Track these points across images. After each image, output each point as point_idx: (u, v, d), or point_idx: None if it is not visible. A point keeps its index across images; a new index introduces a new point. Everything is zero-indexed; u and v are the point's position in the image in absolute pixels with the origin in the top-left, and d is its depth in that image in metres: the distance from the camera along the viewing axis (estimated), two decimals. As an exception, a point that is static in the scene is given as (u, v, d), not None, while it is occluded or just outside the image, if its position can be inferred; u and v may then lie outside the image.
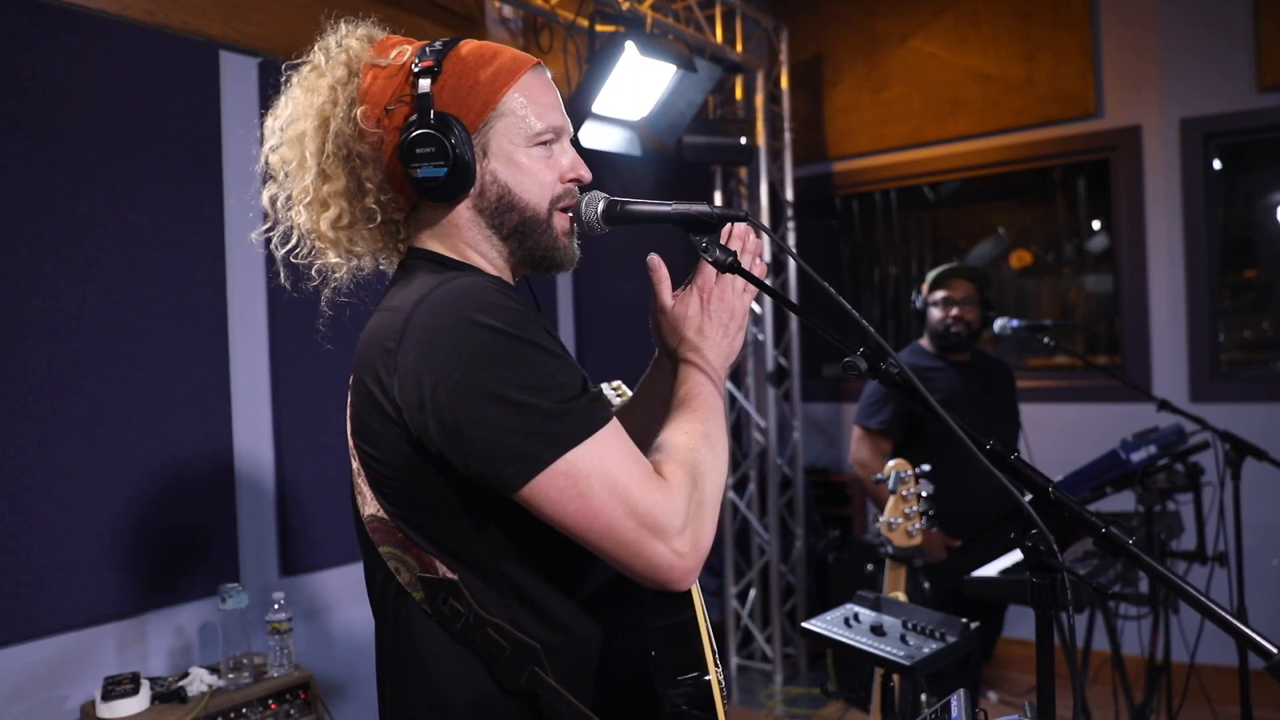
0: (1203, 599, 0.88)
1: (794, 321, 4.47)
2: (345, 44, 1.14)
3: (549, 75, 1.16)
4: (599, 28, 3.36)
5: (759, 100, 4.35)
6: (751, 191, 4.45)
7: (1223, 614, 0.87)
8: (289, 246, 1.17)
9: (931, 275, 3.18)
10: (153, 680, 2.19)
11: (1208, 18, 3.79)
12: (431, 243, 1.13)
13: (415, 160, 1.05)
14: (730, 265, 1.14)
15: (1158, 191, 3.94)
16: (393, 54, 1.11)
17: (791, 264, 4.44)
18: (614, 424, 0.98)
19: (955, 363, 3.14)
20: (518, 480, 0.93)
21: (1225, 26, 3.75)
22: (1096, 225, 4.38)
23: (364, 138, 1.08)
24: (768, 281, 1.21)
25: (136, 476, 2.29)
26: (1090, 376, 4.12)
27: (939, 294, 3.12)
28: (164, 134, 2.37)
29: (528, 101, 1.10)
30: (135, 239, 2.31)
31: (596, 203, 1.19)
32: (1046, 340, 3.09)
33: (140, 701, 2.10)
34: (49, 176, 2.16)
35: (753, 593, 4.40)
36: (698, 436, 1.05)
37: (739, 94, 4.39)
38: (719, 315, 1.19)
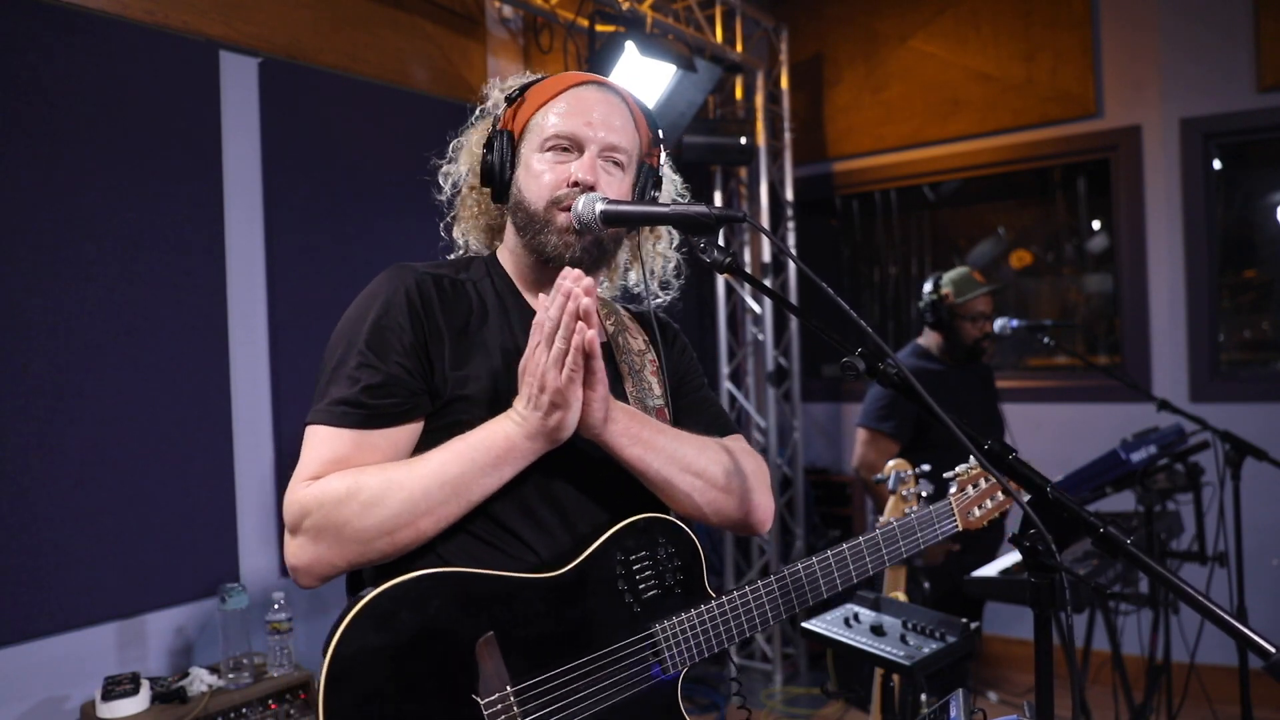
0: (1203, 599, 0.88)
1: (794, 322, 4.47)
2: (495, 92, 1.36)
3: (598, 91, 1.27)
4: (599, 28, 3.36)
5: (759, 100, 4.35)
6: (751, 191, 4.45)
7: (1223, 614, 0.87)
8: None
9: (966, 292, 3.06)
10: (153, 680, 2.19)
11: (1208, 18, 3.79)
12: (500, 245, 1.35)
13: (484, 168, 1.29)
14: (728, 266, 1.14)
15: (1158, 191, 3.94)
16: (514, 89, 1.31)
17: (791, 264, 4.44)
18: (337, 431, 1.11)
19: (956, 367, 3.13)
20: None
21: (1225, 26, 3.75)
22: (1096, 225, 4.38)
23: (474, 159, 1.34)
24: (766, 282, 1.21)
25: (136, 476, 2.29)
26: (1090, 376, 4.12)
27: (974, 309, 3.08)
28: (164, 134, 2.38)
29: (548, 115, 1.24)
30: (135, 239, 2.32)
31: (595, 203, 1.19)
32: (1046, 340, 3.08)
33: (140, 701, 2.10)
34: (49, 176, 2.16)
35: (753, 593, 4.40)
36: (374, 472, 1.09)
37: (739, 94, 4.39)
38: (525, 378, 1.10)
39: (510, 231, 1.30)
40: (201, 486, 2.43)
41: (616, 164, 1.25)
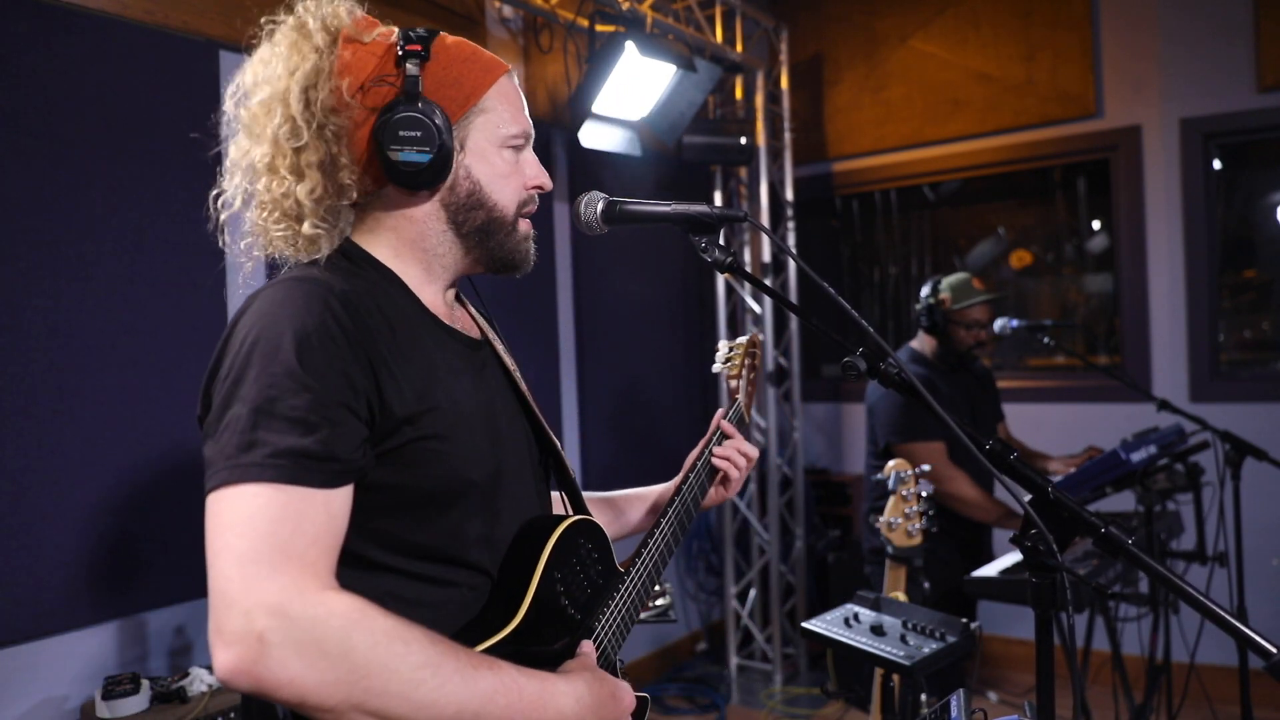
0: (1203, 599, 0.88)
1: (794, 321, 4.47)
2: (332, 9, 1.04)
3: (518, 82, 1.15)
4: (599, 28, 3.36)
5: (759, 100, 4.35)
6: (751, 191, 4.45)
7: (1223, 614, 0.87)
8: (234, 211, 1.09)
9: (964, 299, 3.01)
10: (153, 680, 2.19)
11: (1208, 18, 3.79)
12: (367, 238, 1.08)
13: (397, 142, 0.99)
14: (729, 265, 1.14)
15: (1158, 191, 3.94)
16: (376, 32, 1.05)
17: (791, 264, 4.44)
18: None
19: (949, 370, 3.12)
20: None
21: (1225, 26, 3.75)
22: (1096, 225, 4.38)
23: (340, 112, 1.01)
24: (766, 281, 1.21)
25: (137, 476, 2.29)
26: (1090, 376, 4.12)
27: (970, 315, 3.05)
28: (164, 134, 2.38)
29: (503, 103, 1.09)
30: (135, 239, 2.31)
31: (596, 203, 1.19)
32: (1046, 340, 3.08)
33: (140, 701, 2.10)
34: (49, 176, 2.16)
35: (753, 593, 4.40)
36: (419, 651, 0.84)
37: (739, 94, 4.39)
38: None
39: (420, 223, 1.07)
40: (201, 486, 2.42)
41: None
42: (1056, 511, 0.99)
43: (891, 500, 2.07)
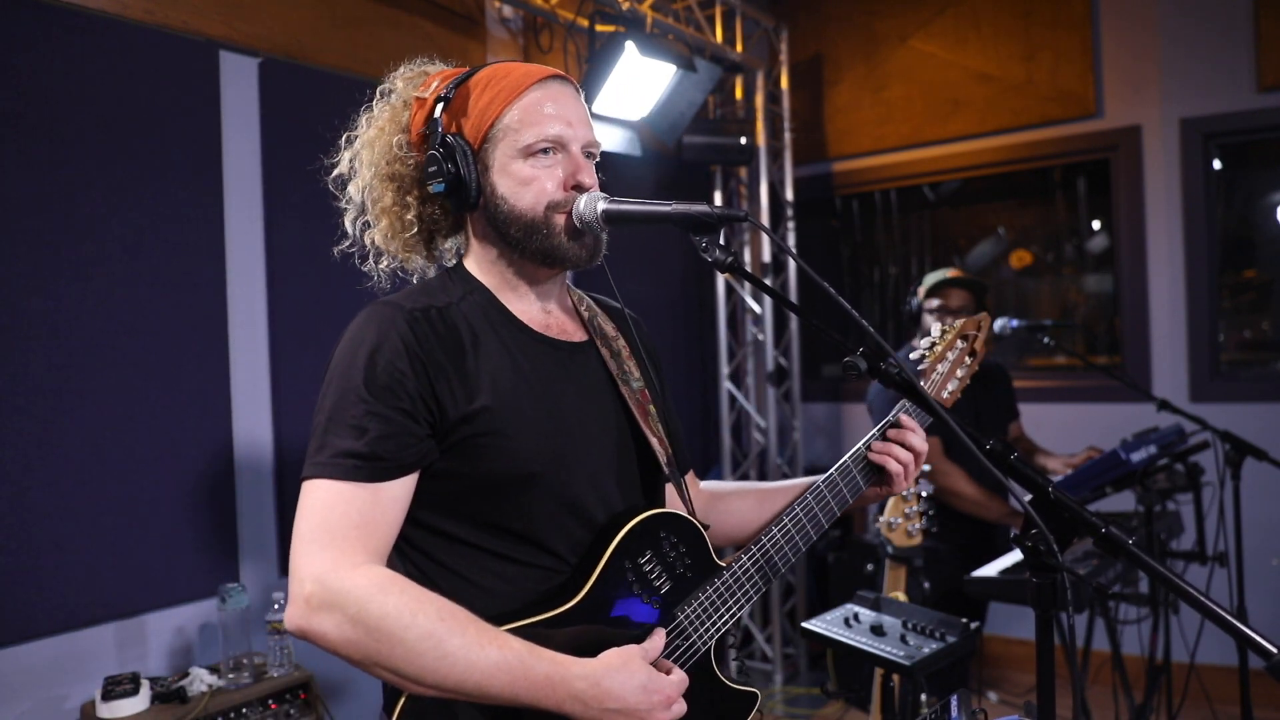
0: (1203, 599, 0.88)
1: (794, 321, 4.47)
2: (396, 83, 1.28)
3: (565, 87, 1.23)
4: (599, 28, 3.36)
5: (759, 100, 4.35)
6: (751, 191, 4.45)
7: (1223, 614, 0.87)
8: (373, 259, 1.31)
9: (929, 281, 3.08)
10: (153, 680, 2.19)
11: (1208, 18, 3.79)
12: (469, 259, 1.27)
13: (428, 179, 1.20)
14: (730, 265, 1.14)
15: (1158, 191, 3.94)
16: (432, 87, 1.23)
17: (791, 264, 4.44)
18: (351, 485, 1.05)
19: None
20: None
21: (1225, 26, 3.75)
22: (1096, 225, 4.38)
23: (406, 161, 1.23)
24: (767, 281, 1.21)
25: (136, 476, 2.29)
26: (1090, 376, 4.12)
27: (935, 302, 3.06)
28: (164, 134, 2.38)
29: (524, 116, 1.18)
30: (135, 239, 2.31)
31: (596, 203, 1.19)
32: (1046, 340, 3.08)
33: (140, 701, 2.10)
34: (49, 176, 2.16)
35: (753, 593, 4.40)
36: (425, 620, 1.00)
37: (739, 94, 4.39)
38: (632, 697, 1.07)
39: (486, 241, 1.24)
40: (201, 486, 2.43)
41: (593, 158, 1.25)
42: (1057, 511, 0.99)
43: (891, 500, 2.08)
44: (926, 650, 1.68)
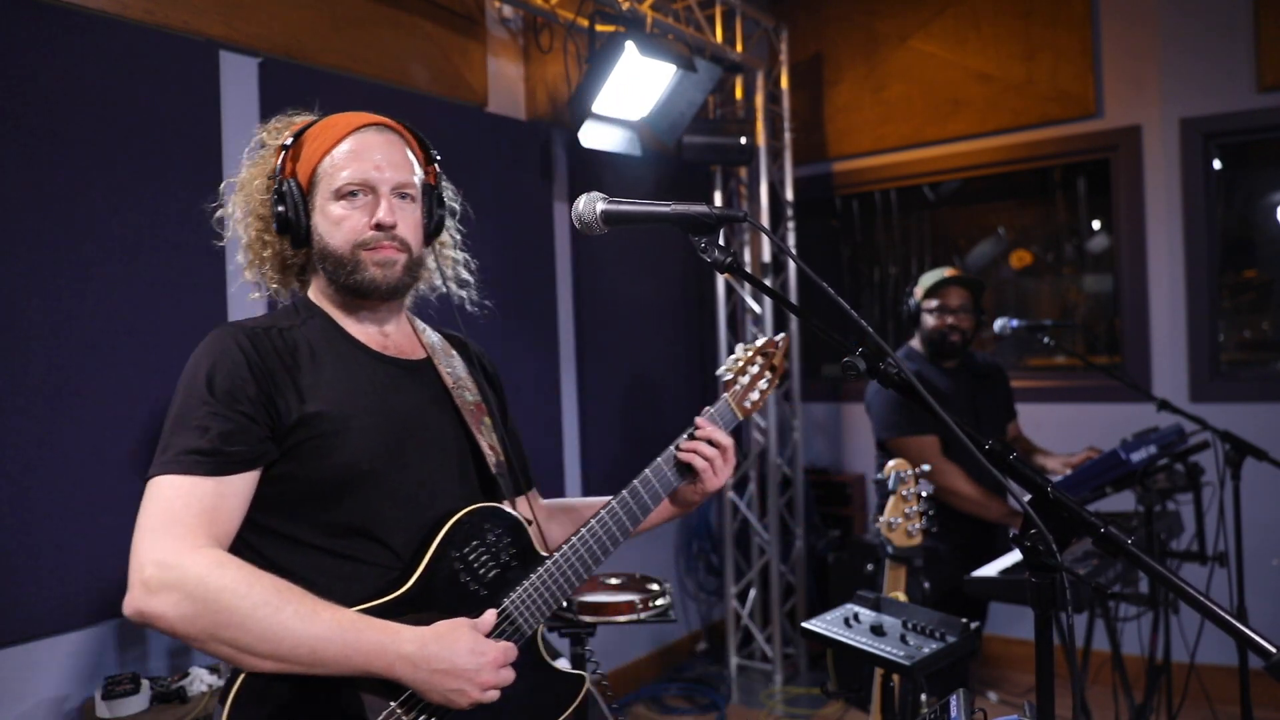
0: (1203, 599, 0.88)
1: (794, 322, 4.47)
2: (275, 128, 1.41)
3: (379, 135, 1.34)
4: (599, 28, 3.36)
5: (759, 100, 4.35)
6: (751, 191, 4.45)
7: (1223, 614, 0.87)
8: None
9: (927, 282, 3.08)
10: (153, 680, 2.19)
11: (1208, 18, 3.79)
12: (313, 289, 1.40)
13: (272, 219, 1.35)
14: (729, 265, 1.14)
15: (1158, 191, 3.94)
16: (286, 135, 1.36)
17: (791, 264, 4.44)
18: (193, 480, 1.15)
19: (945, 368, 3.12)
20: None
21: (1225, 26, 3.75)
22: (1096, 225, 4.38)
23: (266, 204, 1.37)
24: (766, 281, 1.21)
25: (137, 476, 2.29)
26: (1090, 376, 4.12)
27: (934, 302, 3.06)
28: (164, 134, 2.38)
29: (337, 161, 1.30)
30: (135, 239, 2.31)
31: (596, 203, 1.19)
32: (1046, 340, 3.08)
33: (140, 701, 2.10)
34: (49, 176, 2.16)
35: (753, 593, 4.40)
36: (260, 591, 1.10)
37: (739, 94, 4.39)
38: (463, 666, 1.18)
39: (320, 274, 1.36)
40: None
41: (407, 198, 1.34)
42: (1056, 511, 0.99)
43: (891, 500, 2.07)
44: (926, 650, 1.68)
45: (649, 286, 4.23)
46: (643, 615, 2.25)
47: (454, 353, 1.50)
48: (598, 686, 2.23)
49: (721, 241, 1.16)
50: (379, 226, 1.30)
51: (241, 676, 1.13)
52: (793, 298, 4.48)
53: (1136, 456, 2.50)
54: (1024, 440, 3.34)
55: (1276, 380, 3.86)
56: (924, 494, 2.09)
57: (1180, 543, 2.94)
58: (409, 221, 1.34)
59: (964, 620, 1.76)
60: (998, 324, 3.06)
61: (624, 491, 1.42)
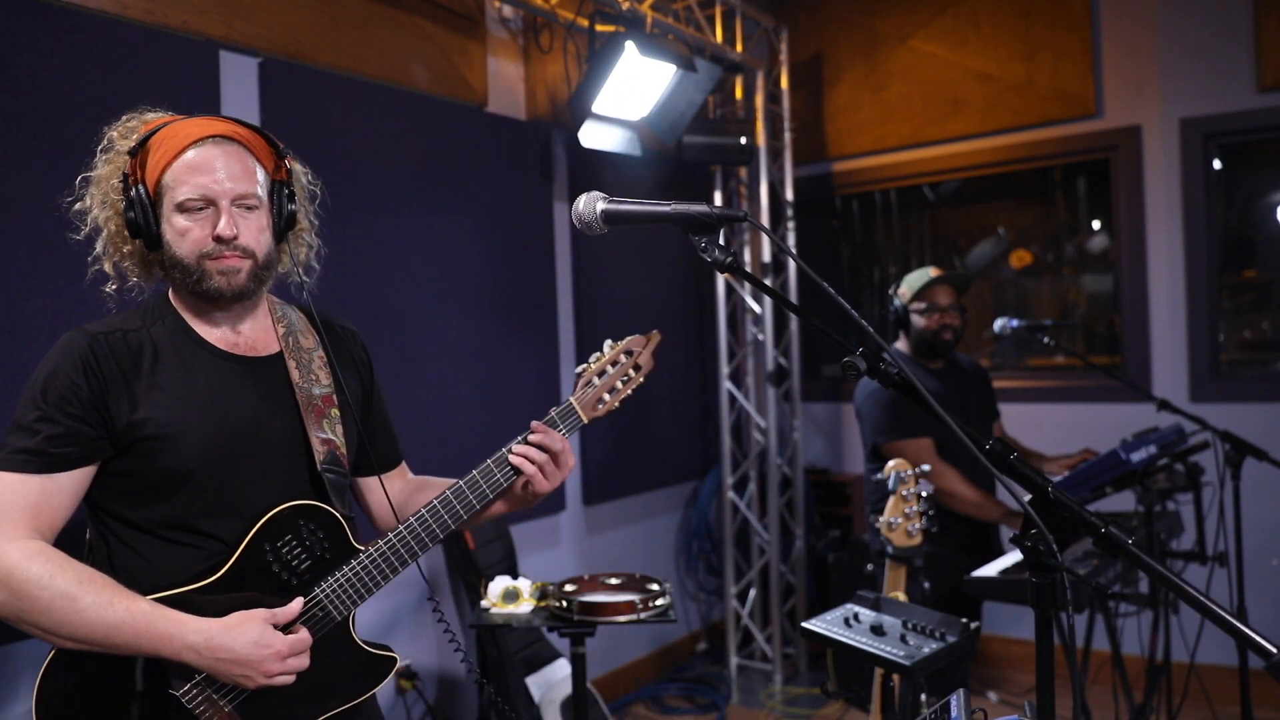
0: (1203, 599, 0.88)
1: (794, 321, 4.47)
2: (112, 134, 1.46)
3: (218, 147, 1.37)
4: (599, 28, 3.36)
5: (759, 100, 4.35)
6: (751, 191, 4.45)
7: (1223, 614, 0.87)
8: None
9: (915, 284, 3.05)
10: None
11: (1208, 18, 3.79)
12: (171, 289, 1.45)
13: (125, 223, 1.39)
14: (729, 265, 1.14)
15: (1158, 191, 3.94)
16: (131, 139, 1.40)
17: (791, 264, 4.44)
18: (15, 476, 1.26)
19: (931, 370, 3.11)
20: None
21: (1225, 26, 3.75)
22: (1096, 225, 4.38)
23: (118, 204, 1.41)
24: (766, 281, 1.21)
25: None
26: (1090, 376, 4.12)
27: (922, 303, 3.04)
28: (164, 134, 2.37)
29: (178, 175, 1.34)
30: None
31: (596, 203, 1.19)
32: (1046, 340, 3.08)
33: (140, 701, 2.10)
34: (49, 176, 2.16)
35: (753, 593, 4.40)
36: (62, 583, 1.23)
37: (739, 94, 4.39)
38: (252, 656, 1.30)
39: (173, 277, 1.40)
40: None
41: (250, 207, 1.38)
42: (1057, 511, 0.99)
43: (891, 500, 2.08)
44: (926, 650, 1.68)
45: (649, 286, 4.23)
46: (643, 615, 2.25)
47: (313, 343, 1.53)
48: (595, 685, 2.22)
49: (722, 241, 1.16)
50: (219, 239, 1.35)
51: (53, 650, 1.29)
52: (793, 298, 4.48)
53: (1136, 456, 2.50)
54: (1009, 439, 3.34)
55: (1276, 380, 3.86)
56: (924, 494, 2.10)
57: (1180, 543, 2.94)
58: (251, 230, 1.38)
59: (964, 620, 1.76)
60: (998, 324, 3.06)
61: (448, 491, 1.48)
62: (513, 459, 1.50)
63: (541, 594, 2.35)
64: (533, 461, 1.50)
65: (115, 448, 1.32)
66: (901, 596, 2.06)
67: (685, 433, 4.46)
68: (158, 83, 2.37)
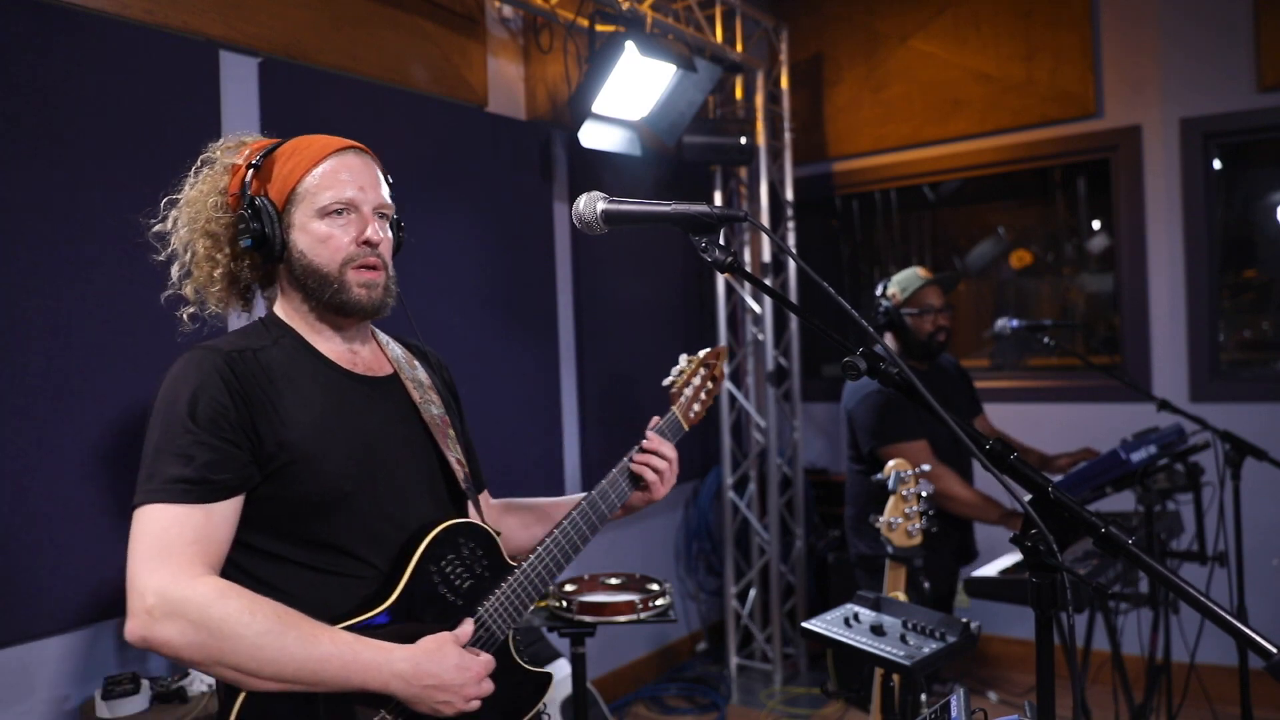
0: (1203, 599, 0.88)
1: (794, 321, 4.47)
2: (224, 147, 1.42)
3: (359, 157, 1.38)
4: (599, 28, 3.36)
5: (759, 100, 4.35)
6: (751, 191, 4.45)
7: (1223, 614, 0.87)
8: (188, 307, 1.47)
9: (908, 286, 3.05)
10: (153, 680, 2.19)
11: (1208, 18, 3.79)
12: (280, 306, 1.42)
13: (239, 235, 1.35)
14: (729, 265, 1.14)
15: (1158, 191, 3.94)
16: (244, 155, 1.38)
17: (791, 264, 4.44)
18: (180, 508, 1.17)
19: (915, 370, 3.10)
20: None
21: (1225, 26, 3.75)
22: (1096, 225, 4.38)
23: (219, 220, 1.38)
24: (766, 281, 1.21)
25: (136, 477, 2.29)
26: (1090, 376, 4.12)
27: (916, 306, 3.05)
28: (164, 134, 2.37)
29: (320, 181, 1.34)
30: (135, 239, 2.31)
31: (596, 203, 1.19)
32: (1046, 340, 3.08)
33: (140, 701, 2.10)
34: (49, 176, 2.16)
35: (753, 593, 4.40)
36: (263, 619, 1.14)
37: (739, 94, 4.39)
38: (448, 679, 1.26)
39: (292, 291, 1.38)
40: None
41: (385, 218, 1.40)
42: (1057, 511, 0.99)
43: (891, 500, 2.07)
44: (926, 650, 1.68)
45: (649, 286, 4.23)
46: (643, 615, 2.25)
47: (417, 364, 1.54)
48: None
49: (722, 241, 1.16)
50: (367, 243, 1.34)
51: (242, 695, 1.17)
52: (793, 297, 4.48)
53: (1136, 456, 2.50)
54: (996, 431, 3.34)
55: (1276, 380, 3.86)
56: (924, 494, 2.10)
57: (1180, 543, 2.94)
58: (387, 242, 1.39)
59: (964, 620, 1.76)
60: (998, 324, 3.06)
61: (583, 502, 1.52)
62: (635, 468, 1.58)
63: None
64: (654, 470, 1.58)
65: (261, 473, 1.25)
66: (901, 596, 2.06)
67: (685, 433, 4.45)
68: (158, 83, 2.37)
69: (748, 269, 4.36)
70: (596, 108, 3.35)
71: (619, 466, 1.58)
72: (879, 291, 3.11)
